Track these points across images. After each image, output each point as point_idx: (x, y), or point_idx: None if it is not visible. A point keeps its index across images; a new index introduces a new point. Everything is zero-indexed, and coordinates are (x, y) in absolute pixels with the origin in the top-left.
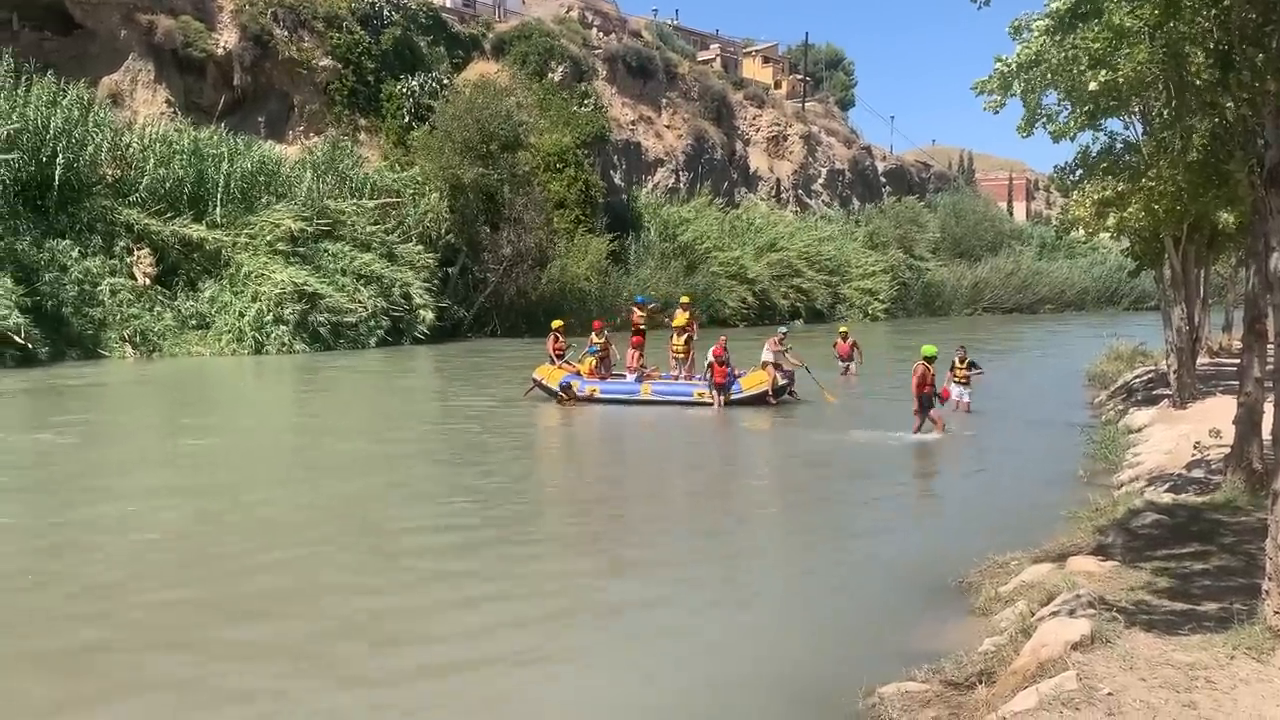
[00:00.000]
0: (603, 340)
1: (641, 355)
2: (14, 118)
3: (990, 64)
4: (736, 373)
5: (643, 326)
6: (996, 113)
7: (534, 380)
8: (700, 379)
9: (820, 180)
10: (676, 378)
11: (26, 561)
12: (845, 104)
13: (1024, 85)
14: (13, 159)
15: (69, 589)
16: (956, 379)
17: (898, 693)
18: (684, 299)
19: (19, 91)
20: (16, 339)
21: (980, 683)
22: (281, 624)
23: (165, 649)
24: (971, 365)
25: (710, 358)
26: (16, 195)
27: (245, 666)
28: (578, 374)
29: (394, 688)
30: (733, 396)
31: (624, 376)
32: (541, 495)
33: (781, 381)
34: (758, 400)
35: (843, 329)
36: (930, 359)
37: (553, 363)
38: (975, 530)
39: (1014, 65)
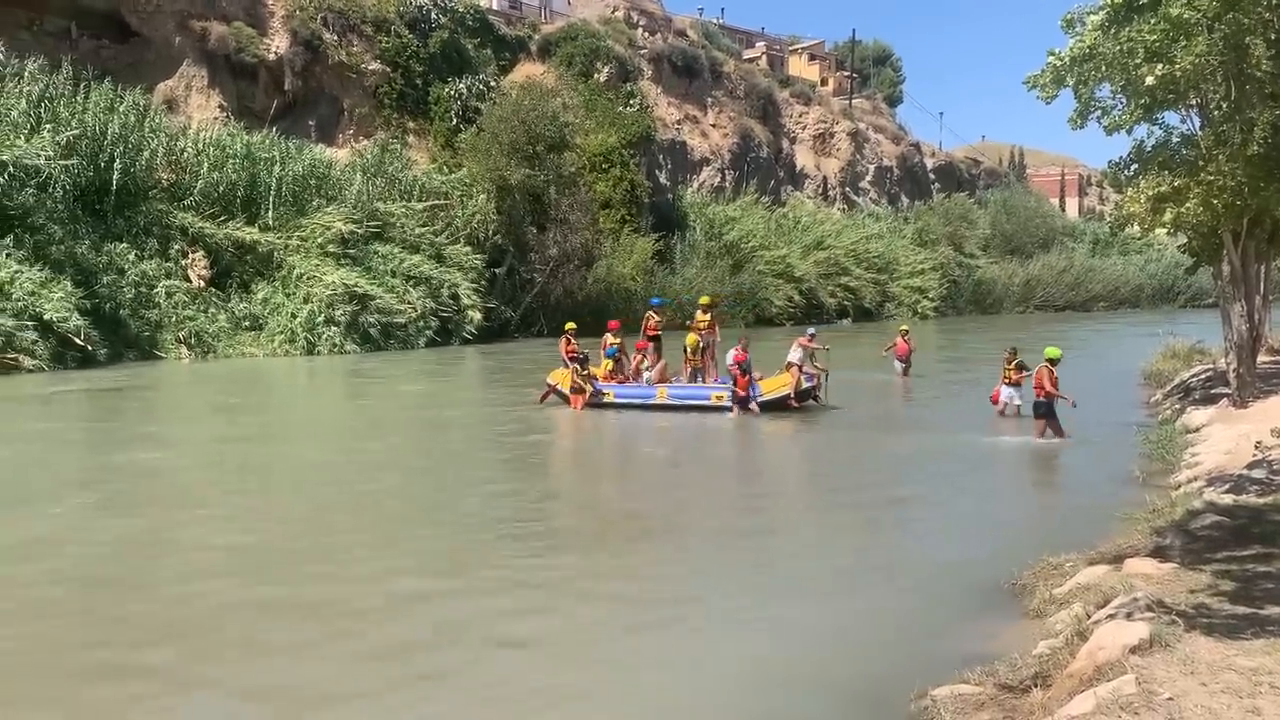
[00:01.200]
0: (619, 341)
1: (659, 358)
2: (73, 124)
3: (1042, 58)
4: (757, 376)
5: (659, 332)
6: (1049, 103)
7: (549, 385)
8: (721, 382)
9: (868, 178)
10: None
11: (127, 564)
12: (893, 101)
13: (1077, 79)
14: (72, 165)
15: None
16: (1007, 380)
17: (951, 695)
18: (704, 300)
19: (78, 98)
20: (77, 340)
21: (1035, 686)
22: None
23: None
24: (1020, 367)
25: (730, 363)
26: (76, 200)
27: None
28: (593, 378)
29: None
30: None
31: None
32: (593, 500)
33: (806, 384)
34: (778, 404)
35: (903, 327)
36: (1054, 361)
37: (566, 367)
38: (1028, 531)
39: (1067, 59)
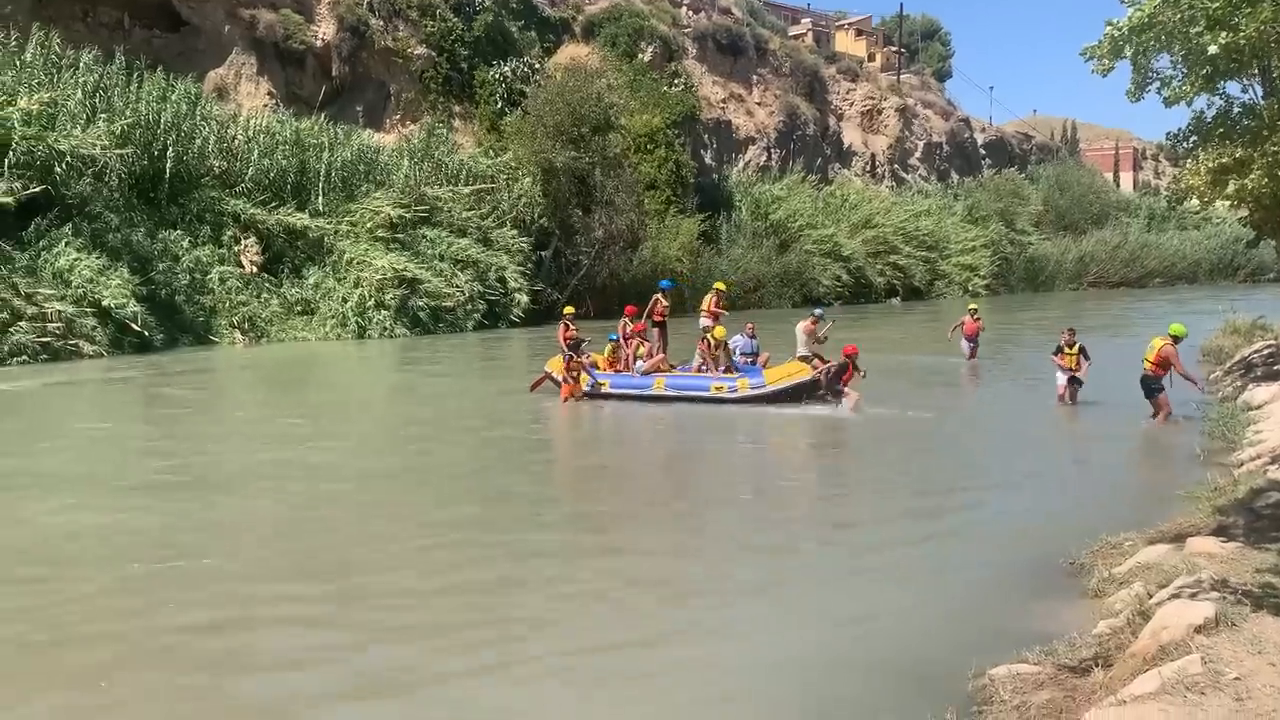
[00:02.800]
0: (625, 327)
1: (664, 346)
2: (127, 114)
3: (1098, 29)
4: (761, 362)
5: (665, 318)
6: (1104, 76)
7: (545, 373)
8: (724, 371)
9: (917, 154)
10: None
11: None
12: (942, 75)
13: (1135, 49)
14: (127, 154)
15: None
16: (1064, 365)
17: (1009, 674)
18: (719, 285)
19: (131, 88)
20: (134, 326)
21: (1096, 666)
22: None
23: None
24: (1082, 351)
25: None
26: (131, 188)
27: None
28: (593, 365)
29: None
30: (752, 391)
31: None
32: (645, 482)
33: (815, 374)
34: (787, 396)
35: (971, 305)
36: (1177, 338)
37: (564, 354)
38: (1086, 510)
39: (1125, 28)
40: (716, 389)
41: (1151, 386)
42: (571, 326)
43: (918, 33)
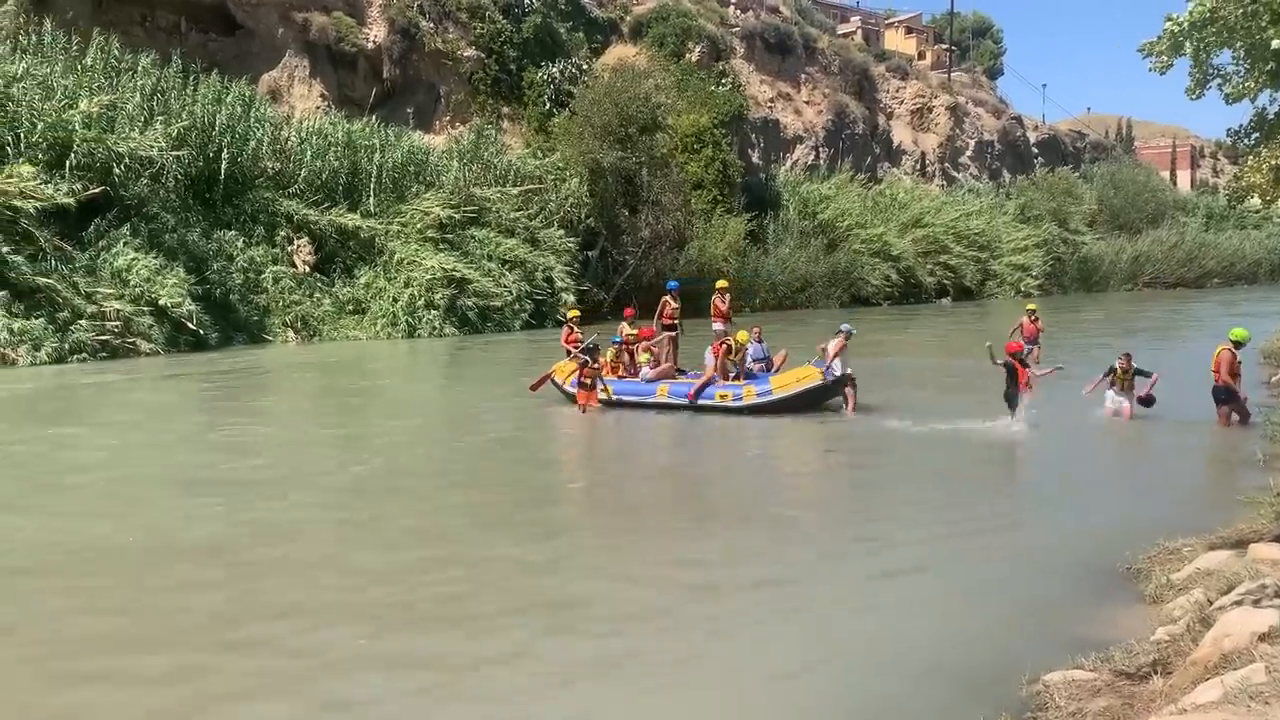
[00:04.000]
0: (634, 331)
1: (675, 351)
2: (183, 116)
3: (1156, 24)
4: (764, 367)
5: (676, 320)
6: (1163, 74)
7: (547, 375)
8: (733, 377)
9: (968, 153)
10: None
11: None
12: (993, 73)
13: (1196, 45)
14: (183, 155)
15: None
16: (1118, 386)
17: (1064, 680)
18: (722, 284)
19: (187, 91)
20: (189, 325)
21: (1155, 673)
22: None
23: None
24: (1139, 373)
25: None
26: (187, 189)
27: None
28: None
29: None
30: (759, 400)
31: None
32: (681, 487)
33: (827, 378)
34: (798, 404)
35: (1030, 306)
36: (1239, 344)
37: (568, 356)
38: (1143, 515)
39: (1185, 24)
40: (721, 397)
41: (1221, 396)
42: (575, 330)
43: (969, 30)
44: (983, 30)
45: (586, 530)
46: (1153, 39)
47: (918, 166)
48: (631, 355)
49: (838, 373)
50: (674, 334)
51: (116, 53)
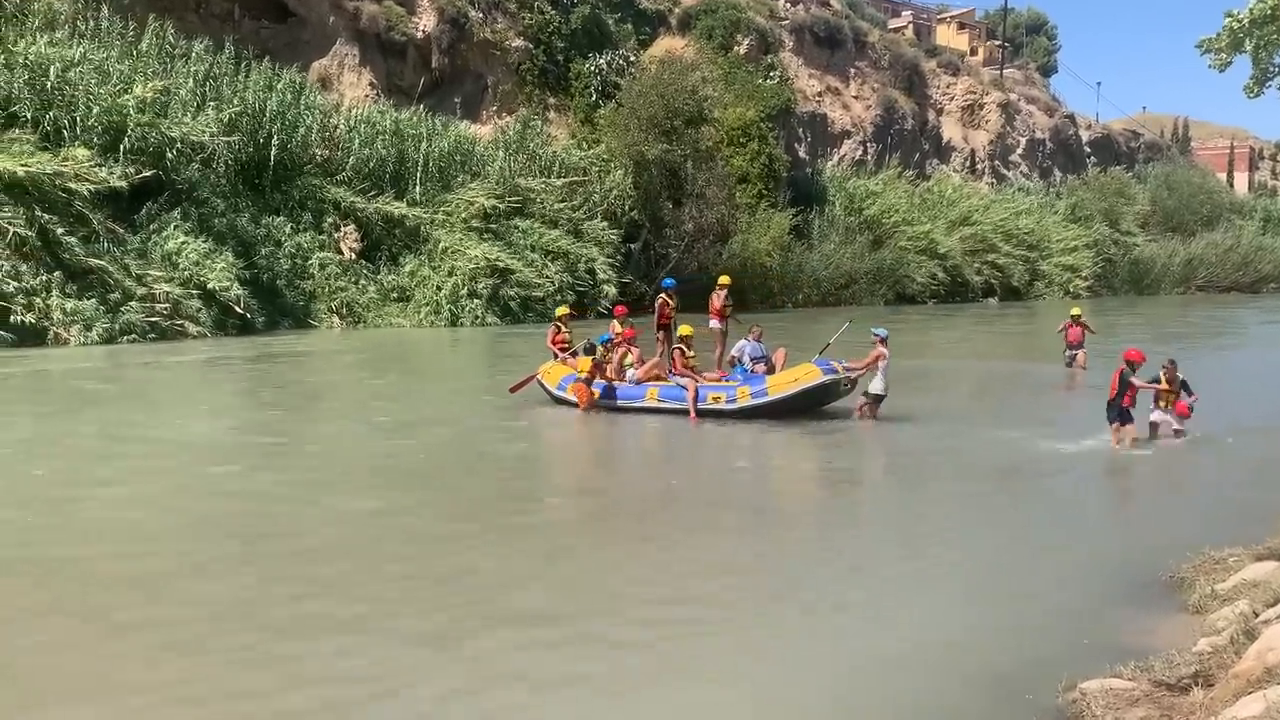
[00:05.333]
0: (622, 331)
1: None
2: (235, 102)
3: (1215, 21)
4: (766, 368)
5: (672, 320)
6: (1222, 71)
7: (535, 376)
8: (729, 379)
9: (1019, 151)
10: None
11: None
12: (1047, 70)
13: (1256, 43)
14: (233, 141)
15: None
16: (1164, 402)
17: (1102, 689)
18: (724, 280)
19: (239, 77)
20: (237, 309)
21: (1195, 685)
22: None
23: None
24: (1184, 386)
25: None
26: (237, 175)
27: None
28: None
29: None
30: (753, 401)
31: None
32: (711, 489)
33: (827, 375)
34: (797, 404)
35: (1075, 310)
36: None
37: (556, 358)
38: (1187, 524)
39: (1246, 20)
40: (714, 399)
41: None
42: (564, 329)
43: (1023, 26)
44: (1037, 26)
45: (598, 536)
46: (1212, 36)
47: (967, 164)
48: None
49: (879, 390)
50: (670, 334)
51: (171, 39)
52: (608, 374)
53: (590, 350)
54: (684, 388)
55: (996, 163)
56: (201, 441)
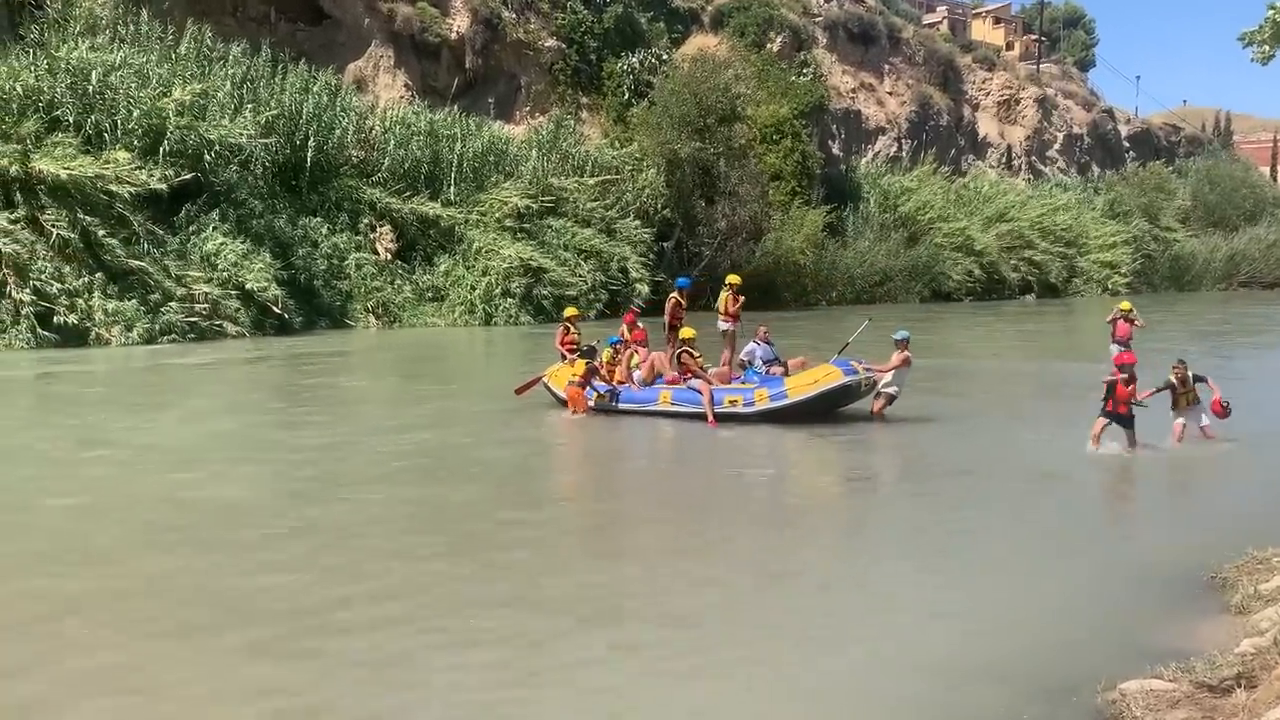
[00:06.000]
0: (631, 334)
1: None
2: (272, 104)
3: (1258, 12)
4: (781, 368)
5: (681, 320)
6: (1265, 64)
7: (540, 379)
8: (741, 380)
9: (1056, 146)
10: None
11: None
12: (1085, 64)
13: None
14: (271, 143)
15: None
16: (1181, 404)
17: (1142, 690)
18: (732, 279)
19: (276, 80)
20: (275, 309)
21: (1238, 686)
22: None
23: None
24: (1197, 380)
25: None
26: (274, 176)
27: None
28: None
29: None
30: (771, 405)
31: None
32: (757, 484)
33: (847, 378)
34: (816, 407)
35: (1125, 305)
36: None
37: (563, 360)
38: (1230, 523)
39: None
40: (731, 402)
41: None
42: (572, 330)
43: (1060, 20)
44: (1074, 20)
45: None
46: (1254, 28)
47: (1003, 160)
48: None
49: (893, 392)
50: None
51: (209, 42)
52: (617, 377)
53: (589, 353)
54: (698, 391)
55: (1033, 158)
56: (173, 444)
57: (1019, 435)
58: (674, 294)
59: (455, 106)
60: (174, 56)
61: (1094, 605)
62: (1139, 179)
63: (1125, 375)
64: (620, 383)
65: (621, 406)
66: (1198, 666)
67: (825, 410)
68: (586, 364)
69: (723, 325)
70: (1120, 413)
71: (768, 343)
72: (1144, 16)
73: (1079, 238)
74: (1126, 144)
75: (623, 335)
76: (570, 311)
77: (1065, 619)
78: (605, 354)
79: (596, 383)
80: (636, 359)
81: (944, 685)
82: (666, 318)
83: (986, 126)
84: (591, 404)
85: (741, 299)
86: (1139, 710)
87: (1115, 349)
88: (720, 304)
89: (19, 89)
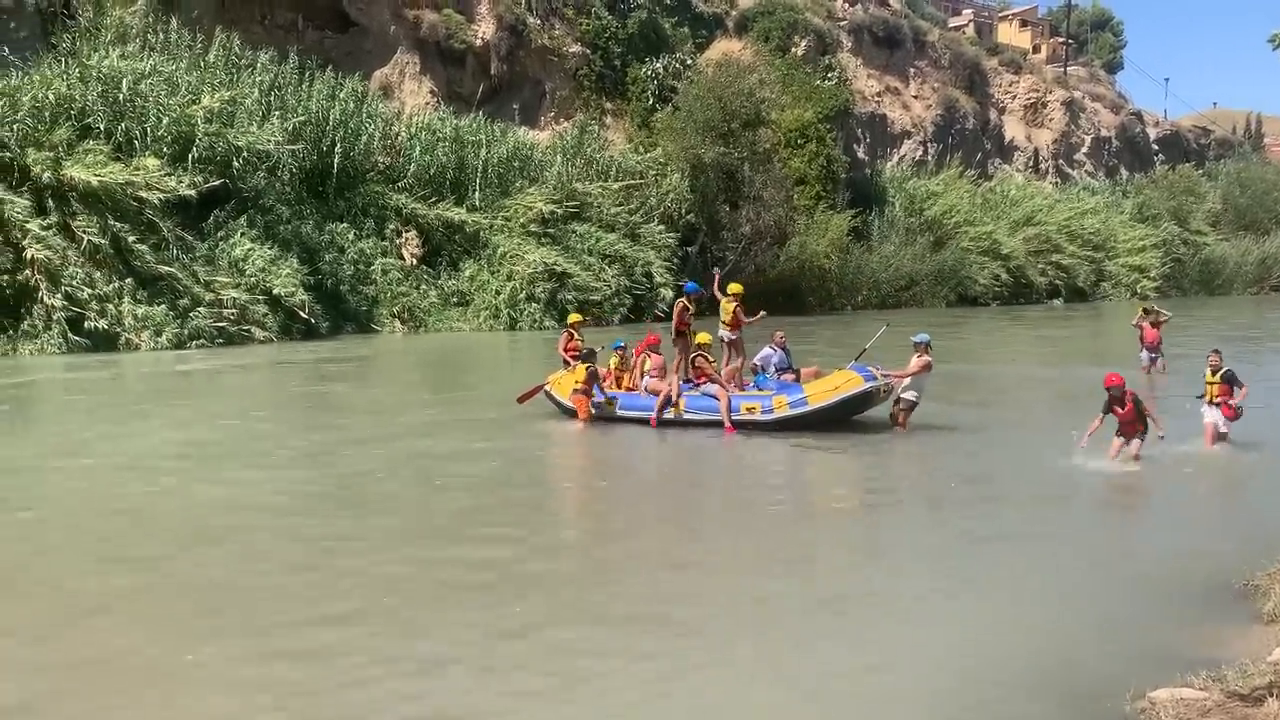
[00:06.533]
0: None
1: (689, 361)
2: (299, 111)
3: None
4: (792, 375)
5: (689, 326)
6: None
7: (542, 387)
8: (755, 387)
9: (1083, 149)
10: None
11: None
12: (1113, 67)
13: None
14: (298, 149)
15: None
16: (1210, 398)
17: (1172, 699)
18: (734, 288)
19: (303, 87)
20: (301, 314)
21: (1270, 695)
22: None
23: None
24: (1229, 381)
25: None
26: (301, 182)
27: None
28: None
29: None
30: (790, 412)
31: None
32: (777, 487)
33: (868, 384)
34: (836, 414)
35: (1154, 308)
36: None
37: (566, 366)
38: (1262, 531)
39: None
40: (748, 409)
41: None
42: (577, 336)
43: (1087, 22)
44: (1102, 23)
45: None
46: None
47: (1030, 163)
48: (625, 362)
49: (913, 398)
50: (687, 341)
51: (237, 50)
52: (626, 383)
53: (589, 356)
54: (714, 397)
55: (1060, 161)
56: (148, 452)
57: (1043, 442)
58: (682, 299)
59: (480, 112)
60: (203, 64)
61: (1124, 613)
62: (1168, 182)
63: (1118, 394)
64: (630, 389)
65: (632, 413)
66: (1229, 675)
67: (844, 417)
68: (587, 368)
69: (725, 335)
70: (1126, 433)
71: (784, 349)
72: (1173, 18)
73: (1107, 241)
74: (1155, 147)
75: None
76: (574, 317)
77: (1094, 627)
78: (612, 360)
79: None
80: (650, 364)
81: (974, 692)
82: (674, 323)
83: (1013, 130)
84: (593, 410)
85: (748, 314)
86: (1169, 719)
87: (1144, 357)
88: (723, 313)
89: (51, 97)
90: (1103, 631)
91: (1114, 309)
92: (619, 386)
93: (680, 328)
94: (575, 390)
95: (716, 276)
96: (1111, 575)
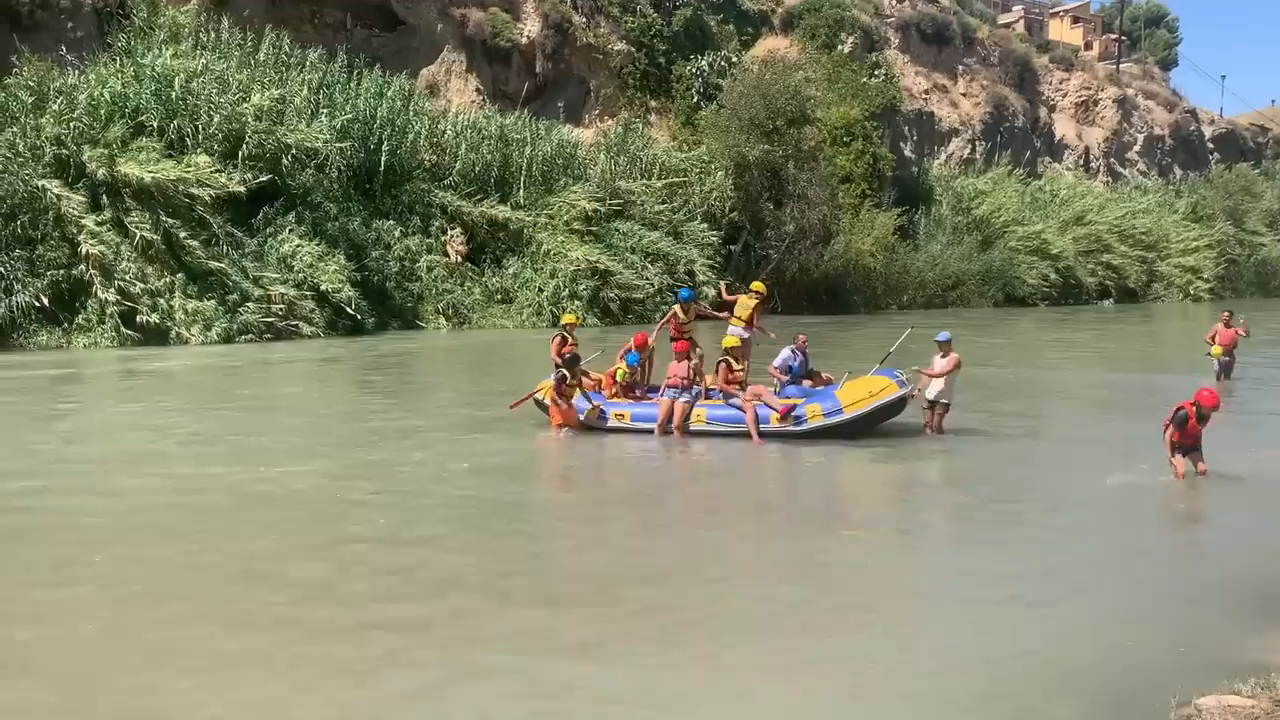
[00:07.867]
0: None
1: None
2: (347, 109)
3: None
4: (810, 381)
5: (686, 333)
6: None
7: (534, 394)
8: (785, 394)
9: (1136, 148)
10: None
11: None
12: (1167, 64)
13: None
14: (346, 147)
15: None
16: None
17: (1218, 705)
18: (756, 286)
19: (351, 85)
20: (348, 310)
21: None
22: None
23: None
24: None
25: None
26: (349, 180)
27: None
28: (596, 392)
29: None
30: (825, 421)
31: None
32: (812, 493)
33: (902, 390)
34: (871, 422)
35: (1227, 313)
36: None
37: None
38: None
39: None
40: (777, 420)
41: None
42: (570, 340)
43: (1141, 19)
44: (1156, 19)
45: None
46: None
47: (1081, 162)
48: (634, 373)
49: (932, 396)
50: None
51: (287, 49)
52: (635, 394)
53: (572, 361)
54: (740, 410)
55: (1112, 160)
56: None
57: (1088, 450)
58: (675, 306)
59: (525, 110)
60: (253, 63)
61: (1170, 619)
62: (1223, 181)
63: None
64: (636, 398)
65: (643, 425)
66: (1278, 683)
67: (872, 425)
68: (558, 376)
69: (741, 333)
70: (1187, 444)
71: (804, 353)
72: (1230, 14)
73: (1159, 241)
74: (1210, 145)
75: (636, 345)
76: (567, 319)
77: (1140, 633)
78: (620, 370)
79: (604, 400)
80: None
81: (1018, 696)
82: (670, 330)
83: (1064, 128)
84: (616, 423)
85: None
86: None
87: (1216, 364)
88: (740, 309)
89: (107, 95)
90: (1149, 637)
91: (1168, 310)
92: (626, 395)
93: (674, 334)
94: (555, 401)
95: (723, 286)
96: (1158, 581)
